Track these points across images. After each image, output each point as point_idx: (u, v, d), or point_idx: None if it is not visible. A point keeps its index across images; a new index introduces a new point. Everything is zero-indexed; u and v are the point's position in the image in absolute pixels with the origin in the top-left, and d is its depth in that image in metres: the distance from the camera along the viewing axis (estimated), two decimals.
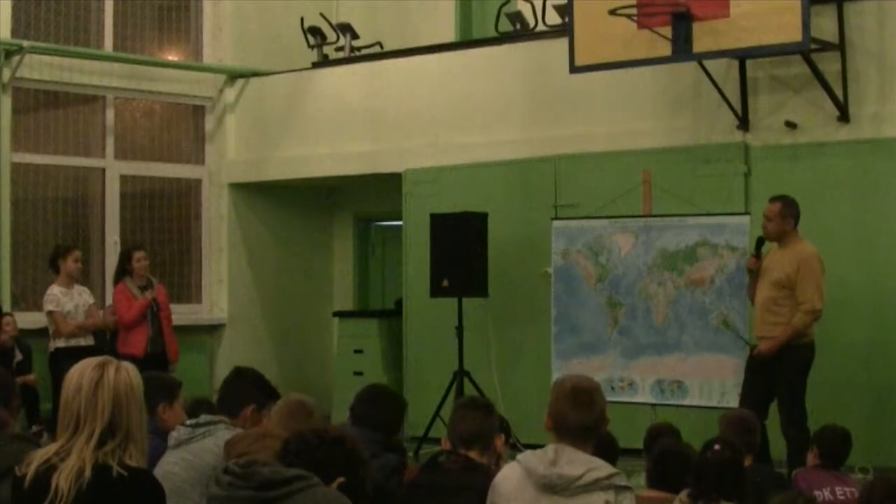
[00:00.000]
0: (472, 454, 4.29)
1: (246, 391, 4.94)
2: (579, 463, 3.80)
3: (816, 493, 5.50)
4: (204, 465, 4.49)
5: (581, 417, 3.89)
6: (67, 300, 9.48)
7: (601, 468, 3.80)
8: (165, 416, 5.35)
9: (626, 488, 3.81)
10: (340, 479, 3.36)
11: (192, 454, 4.57)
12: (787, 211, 7.64)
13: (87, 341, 9.49)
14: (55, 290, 9.49)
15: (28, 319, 9.82)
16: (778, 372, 7.51)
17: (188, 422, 4.80)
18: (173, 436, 4.74)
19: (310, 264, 12.48)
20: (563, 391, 3.94)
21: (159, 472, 4.48)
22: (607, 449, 5.50)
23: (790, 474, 6.25)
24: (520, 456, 3.96)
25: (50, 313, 9.43)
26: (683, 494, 4.45)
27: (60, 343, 9.41)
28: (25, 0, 10.79)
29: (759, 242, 7.78)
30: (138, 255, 9.70)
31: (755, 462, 5.69)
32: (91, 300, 9.71)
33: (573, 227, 8.81)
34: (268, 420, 4.82)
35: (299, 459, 3.36)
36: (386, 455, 4.67)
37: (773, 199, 7.73)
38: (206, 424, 4.69)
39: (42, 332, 9.64)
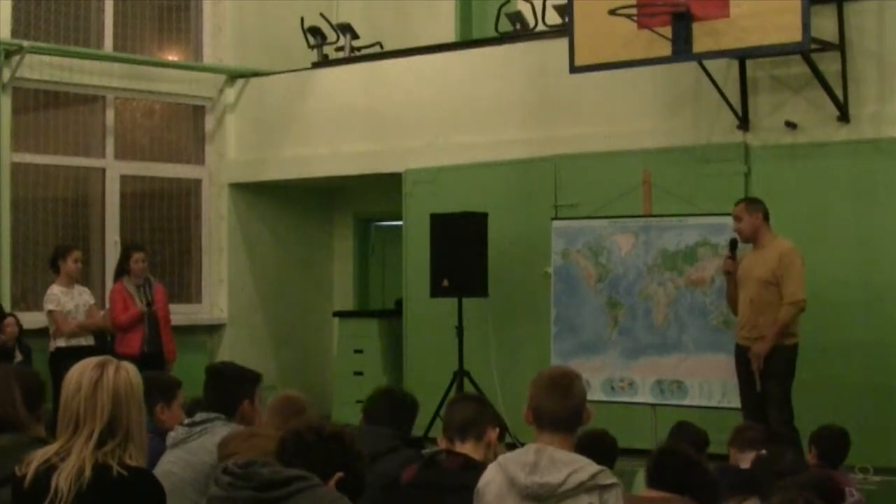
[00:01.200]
0: (468, 447, 4.27)
1: (231, 390, 4.88)
2: (561, 465, 3.78)
3: None
4: (201, 463, 4.49)
5: (557, 405, 3.87)
6: (68, 300, 9.49)
7: (583, 469, 3.78)
8: (163, 417, 5.35)
9: (612, 486, 3.78)
10: (339, 475, 3.35)
11: (190, 453, 4.58)
12: (752, 207, 7.77)
13: (87, 341, 9.49)
14: (55, 290, 9.50)
15: (27, 319, 9.81)
16: (766, 372, 7.52)
17: (185, 421, 4.80)
18: (171, 435, 4.75)
19: (310, 264, 12.48)
20: (540, 380, 3.94)
21: (158, 471, 4.49)
22: (607, 449, 5.50)
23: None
24: (500, 458, 3.95)
25: (50, 313, 9.44)
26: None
27: (61, 343, 9.42)
28: (25, 0, 10.79)
29: (733, 244, 7.85)
30: (136, 255, 9.71)
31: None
32: (92, 300, 9.71)
33: (573, 227, 8.81)
34: (260, 416, 4.81)
35: (297, 457, 3.35)
36: (403, 450, 4.70)
37: (738, 202, 7.87)
38: (203, 423, 4.69)
39: (42, 333, 9.65)
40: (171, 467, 4.56)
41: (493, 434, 4.33)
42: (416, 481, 4.27)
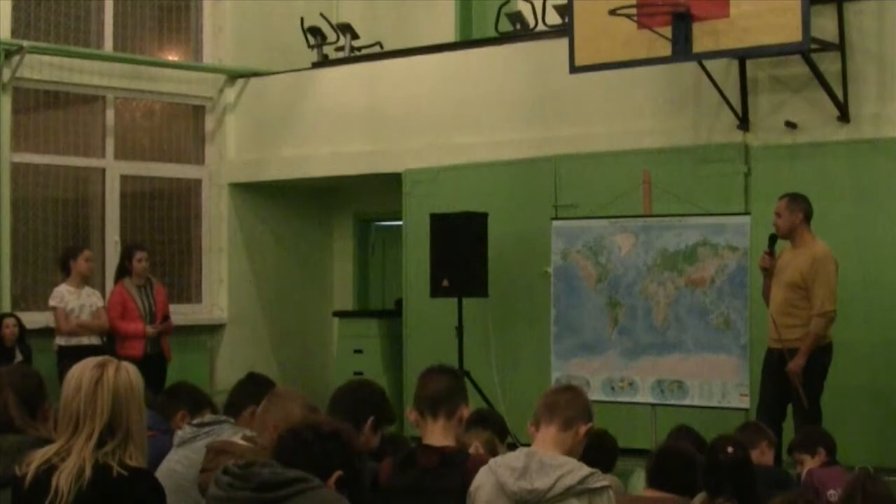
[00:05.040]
0: (439, 426, 4.15)
1: (250, 393, 4.93)
2: (550, 469, 3.78)
3: (831, 491, 5.49)
4: None
5: (557, 396, 3.99)
6: (73, 298, 9.51)
7: (571, 473, 3.78)
8: (181, 424, 5.35)
9: (603, 489, 3.79)
10: (338, 473, 3.35)
11: (195, 452, 4.59)
12: (795, 205, 7.67)
13: (90, 341, 9.49)
14: (62, 288, 9.54)
15: (28, 319, 9.81)
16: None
17: (193, 421, 4.81)
18: (178, 434, 4.78)
19: (310, 264, 12.48)
20: (550, 388, 4.16)
21: (163, 469, 4.51)
22: (607, 449, 5.50)
23: (800, 476, 6.23)
24: (492, 461, 3.95)
25: (53, 309, 9.46)
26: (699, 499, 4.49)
27: (62, 341, 9.43)
28: (25, 0, 10.79)
29: (772, 240, 7.77)
30: (139, 255, 9.73)
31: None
32: (101, 303, 9.69)
33: (573, 227, 8.81)
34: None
35: (295, 455, 3.34)
36: None
37: (782, 197, 7.78)
38: (211, 424, 4.71)
39: (43, 332, 9.68)
40: (175, 465, 4.58)
41: (465, 411, 4.21)
42: (392, 485, 4.13)
